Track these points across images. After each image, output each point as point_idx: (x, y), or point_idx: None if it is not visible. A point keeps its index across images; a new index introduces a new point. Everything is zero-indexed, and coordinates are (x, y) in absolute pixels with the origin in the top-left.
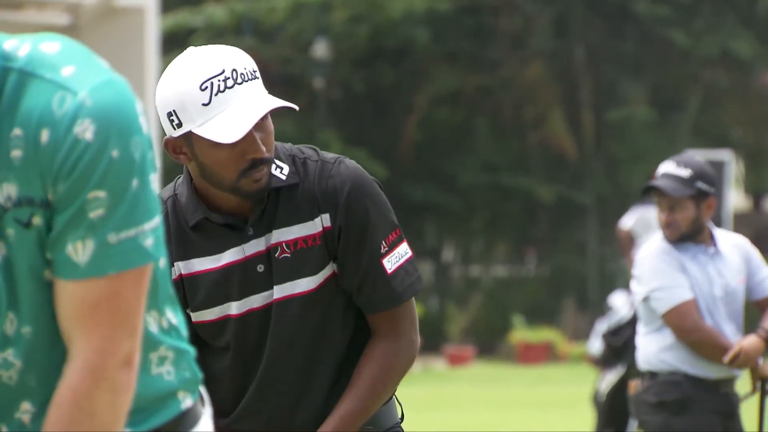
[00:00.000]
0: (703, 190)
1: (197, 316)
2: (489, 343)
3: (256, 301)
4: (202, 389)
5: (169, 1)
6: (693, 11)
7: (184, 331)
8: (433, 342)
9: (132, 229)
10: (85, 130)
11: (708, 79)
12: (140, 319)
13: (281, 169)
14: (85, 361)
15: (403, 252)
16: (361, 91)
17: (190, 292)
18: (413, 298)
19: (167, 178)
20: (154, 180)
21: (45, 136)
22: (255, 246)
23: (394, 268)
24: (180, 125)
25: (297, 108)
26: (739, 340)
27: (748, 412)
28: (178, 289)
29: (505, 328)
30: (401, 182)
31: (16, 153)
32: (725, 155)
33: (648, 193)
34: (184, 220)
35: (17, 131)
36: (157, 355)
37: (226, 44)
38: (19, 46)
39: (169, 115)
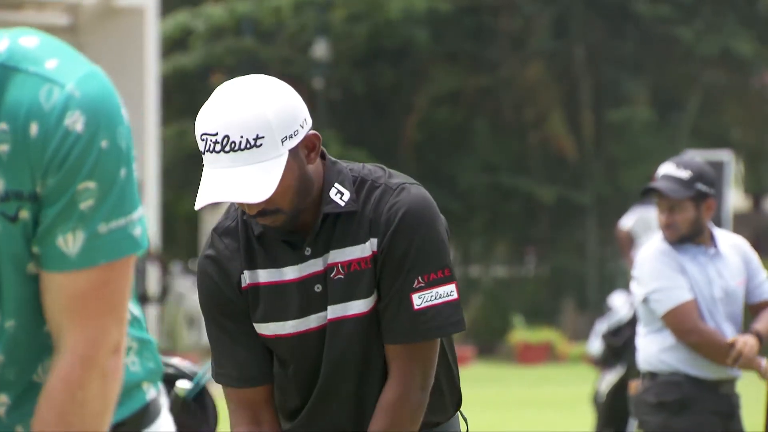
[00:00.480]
0: (702, 191)
1: (256, 329)
2: (489, 343)
3: (313, 321)
4: (161, 384)
5: (169, 2)
6: (693, 11)
7: (144, 323)
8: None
9: (122, 219)
10: (75, 122)
11: (708, 80)
12: (127, 306)
13: (342, 195)
14: (75, 352)
15: (444, 293)
16: (361, 91)
17: (253, 304)
18: (438, 347)
19: (167, 177)
20: (136, 170)
21: (34, 129)
22: (312, 266)
23: (424, 305)
24: None
25: (262, 198)
26: (736, 340)
27: (749, 413)
28: (243, 301)
29: (504, 329)
30: None
31: (3, 147)
32: (725, 155)
33: (648, 194)
34: (251, 230)
35: (3, 126)
36: None
37: (226, 44)
38: None
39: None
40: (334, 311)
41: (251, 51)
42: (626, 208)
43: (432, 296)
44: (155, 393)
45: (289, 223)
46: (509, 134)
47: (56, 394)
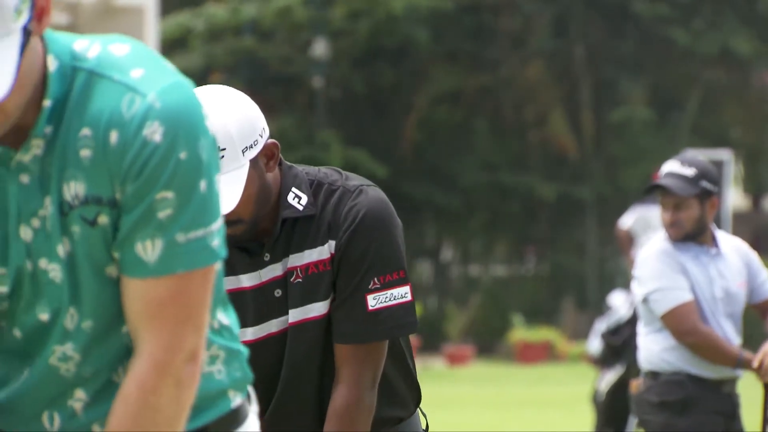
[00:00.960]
0: (707, 189)
1: None
2: (488, 342)
3: (274, 325)
4: (251, 389)
5: (169, 2)
6: (693, 11)
7: (236, 332)
8: (432, 341)
9: (200, 230)
10: (154, 132)
11: (707, 79)
12: (206, 316)
13: (299, 198)
14: (151, 357)
15: (398, 294)
16: (361, 90)
17: None
18: (386, 347)
19: None
20: (219, 181)
21: (114, 137)
22: (272, 271)
23: (378, 306)
24: None
25: None
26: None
27: (749, 412)
28: None
29: (504, 328)
30: (401, 182)
31: (86, 153)
32: (724, 155)
33: (652, 192)
34: None
35: (86, 131)
36: (208, 354)
37: (226, 44)
38: (89, 47)
39: None
40: (294, 315)
41: (250, 50)
42: (626, 207)
43: (387, 297)
44: (241, 400)
45: (248, 233)
46: (509, 134)
47: (131, 398)
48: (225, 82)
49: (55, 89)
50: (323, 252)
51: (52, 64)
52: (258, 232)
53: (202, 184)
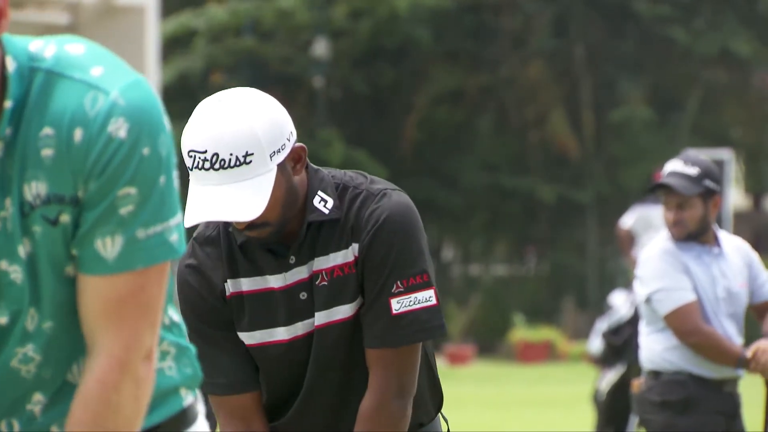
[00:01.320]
0: (710, 188)
1: (241, 338)
2: (489, 342)
3: (300, 328)
4: (198, 391)
5: (171, 2)
6: (693, 10)
7: (185, 329)
8: (433, 341)
9: (159, 225)
10: (119, 129)
11: (708, 79)
12: (160, 313)
13: (325, 202)
14: (112, 355)
15: (422, 298)
16: (361, 90)
17: (237, 313)
18: (419, 352)
19: None
20: (176, 177)
21: (78, 135)
22: (297, 274)
23: (402, 310)
24: None
25: (249, 217)
26: (756, 348)
27: (750, 413)
28: (227, 309)
29: (504, 327)
30: (401, 181)
31: (47, 152)
32: (725, 154)
33: (655, 191)
34: (234, 239)
35: (48, 131)
36: (159, 350)
37: (227, 44)
38: (45, 47)
39: None
40: (320, 318)
41: (251, 50)
42: (626, 206)
43: (410, 301)
44: (192, 399)
45: (275, 235)
46: (510, 133)
47: (91, 397)
48: (226, 82)
49: (15, 90)
50: (348, 255)
51: (11, 65)
52: (284, 235)
53: (162, 179)
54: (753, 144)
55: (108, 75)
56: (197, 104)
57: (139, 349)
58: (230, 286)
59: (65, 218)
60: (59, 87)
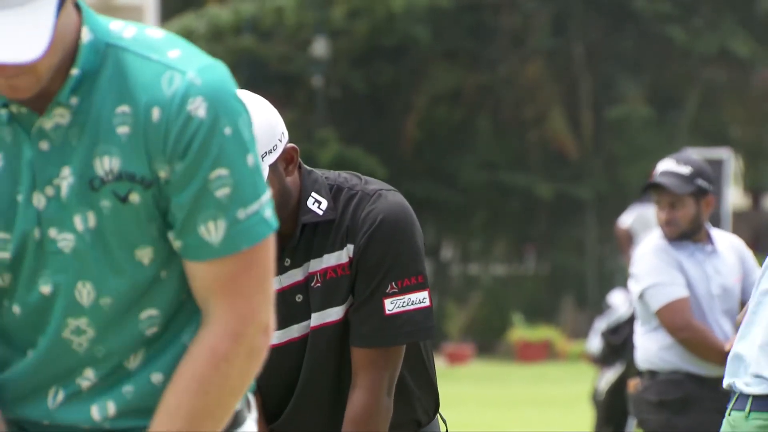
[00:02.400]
0: (703, 187)
1: None
2: (488, 341)
3: (296, 330)
4: (250, 395)
5: (171, 3)
6: (692, 9)
7: None
8: (430, 342)
9: (255, 204)
10: (198, 108)
11: (707, 77)
12: (272, 286)
13: (319, 203)
14: (226, 326)
15: (416, 299)
16: (361, 89)
17: None
18: (403, 352)
19: None
20: (259, 156)
21: (156, 114)
22: (292, 276)
23: (396, 311)
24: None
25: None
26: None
27: None
28: None
29: (504, 327)
30: (400, 180)
31: (123, 129)
32: (724, 153)
33: (648, 190)
34: None
35: (124, 108)
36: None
37: (225, 44)
38: (125, 28)
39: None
40: (314, 320)
41: (250, 50)
42: (626, 205)
43: (404, 302)
44: (239, 406)
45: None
46: (509, 132)
47: (201, 361)
48: None
49: (85, 60)
50: (342, 256)
51: (86, 36)
52: (278, 237)
53: (250, 159)
54: (752, 143)
55: (185, 57)
56: None
57: (254, 321)
58: None
59: (135, 198)
60: (136, 66)
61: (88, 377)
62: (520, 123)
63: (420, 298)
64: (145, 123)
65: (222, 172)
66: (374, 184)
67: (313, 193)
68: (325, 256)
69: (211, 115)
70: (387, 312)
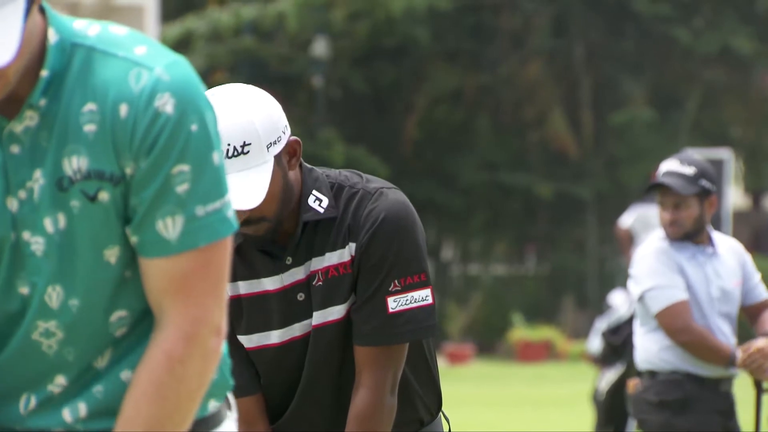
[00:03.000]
0: (706, 188)
1: (240, 341)
2: (488, 341)
3: (297, 329)
4: (230, 395)
5: (171, 4)
6: (693, 9)
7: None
8: (433, 340)
9: (218, 201)
10: (165, 104)
11: (708, 78)
12: (226, 288)
13: (320, 201)
14: (179, 328)
15: (419, 297)
16: (361, 89)
17: (236, 316)
18: (406, 350)
19: None
20: (221, 156)
21: (124, 110)
22: (294, 275)
23: (399, 309)
24: None
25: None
26: (754, 343)
27: (744, 412)
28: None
29: (504, 327)
30: (401, 180)
31: (90, 127)
32: (725, 153)
33: (652, 191)
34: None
35: (91, 106)
36: None
37: (226, 45)
38: (89, 26)
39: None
40: (316, 318)
41: (251, 50)
42: (626, 206)
43: (407, 300)
44: (218, 405)
45: (272, 232)
46: (509, 132)
47: (156, 366)
48: (226, 81)
49: (54, 61)
50: (344, 255)
51: (53, 37)
52: (280, 235)
53: (215, 156)
54: (753, 143)
55: (151, 53)
56: None
57: (208, 323)
58: (239, 288)
59: (104, 196)
60: (102, 63)
61: (59, 383)
62: (520, 124)
63: (423, 296)
64: (112, 119)
65: (184, 167)
66: (375, 182)
67: (314, 191)
68: (327, 255)
69: (179, 111)
70: (390, 310)
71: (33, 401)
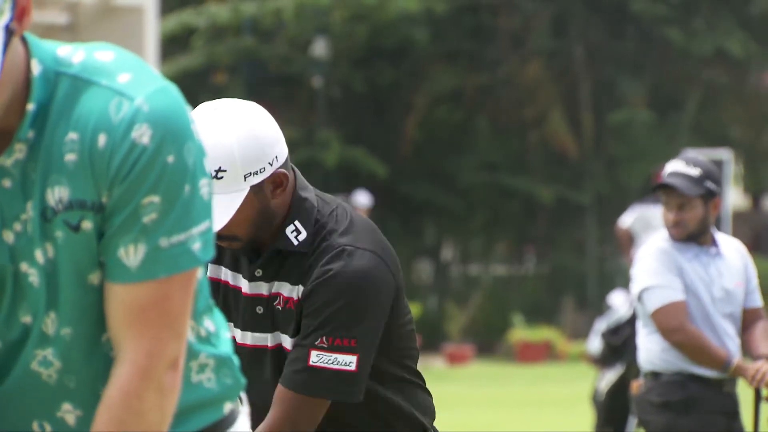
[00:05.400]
0: (711, 189)
1: None
2: (488, 342)
3: (249, 338)
4: (243, 394)
5: (170, 1)
6: (691, 10)
7: (225, 337)
8: (433, 341)
9: (182, 234)
10: (142, 135)
11: (707, 79)
12: (187, 322)
13: (298, 233)
14: (134, 363)
15: (343, 361)
16: (361, 90)
17: (224, 302)
18: (325, 407)
19: None
20: (204, 185)
21: (102, 140)
22: (259, 288)
23: (319, 365)
24: None
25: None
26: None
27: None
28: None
29: (504, 327)
30: (401, 181)
31: (71, 157)
32: (724, 154)
33: (657, 191)
34: None
35: (72, 135)
36: (197, 363)
37: (226, 44)
38: (73, 53)
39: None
40: (272, 339)
41: (251, 50)
42: (626, 206)
43: (330, 360)
44: (232, 406)
45: (246, 250)
46: (509, 133)
47: (114, 404)
48: (226, 81)
49: (39, 93)
50: (294, 292)
51: (36, 68)
52: (258, 246)
53: (187, 188)
54: (752, 144)
55: (134, 81)
56: (197, 103)
57: (163, 357)
58: (222, 273)
59: (87, 225)
60: (85, 93)
61: (68, 410)
62: (520, 124)
63: (347, 361)
64: (90, 149)
65: (154, 198)
66: (352, 235)
67: (297, 222)
68: (287, 285)
69: (155, 142)
70: (310, 363)
71: (48, 427)
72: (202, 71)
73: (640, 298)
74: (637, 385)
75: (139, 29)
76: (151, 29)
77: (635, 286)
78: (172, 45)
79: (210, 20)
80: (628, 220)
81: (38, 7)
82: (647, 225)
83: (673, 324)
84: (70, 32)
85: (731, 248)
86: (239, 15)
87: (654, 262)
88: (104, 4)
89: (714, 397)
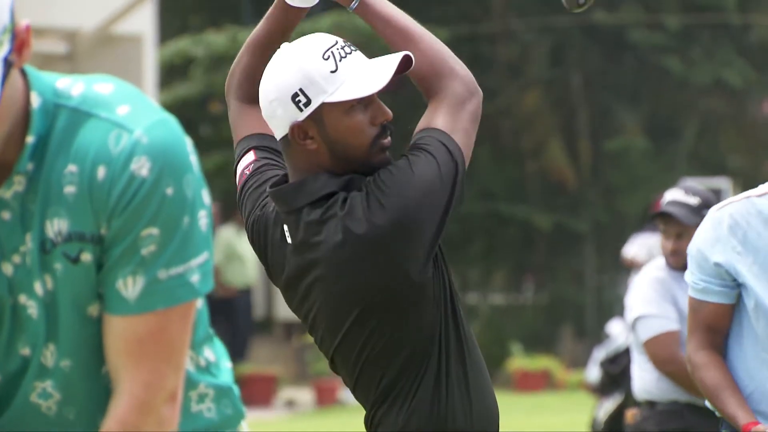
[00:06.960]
0: None
1: None
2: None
3: None
4: (244, 424)
5: (168, 30)
6: (689, 39)
7: (225, 367)
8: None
9: (181, 266)
10: (141, 167)
11: (704, 107)
12: (185, 354)
13: None
14: (132, 395)
15: None
16: None
17: None
18: None
19: None
20: (203, 216)
21: (101, 172)
22: None
23: None
24: (308, 103)
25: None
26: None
27: None
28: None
29: (502, 356)
30: None
31: (70, 189)
32: (723, 183)
33: (656, 219)
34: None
35: (72, 168)
36: (196, 393)
37: (225, 73)
38: (72, 86)
39: (294, 96)
40: None
41: None
42: (624, 235)
43: None
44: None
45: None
46: (507, 162)
47: None
48: (224, 110)
49: (39, 126)
50: None
51: (36, 101)
52: None
53: (186, 220)
54: (751, 173)
55: (134, 114)
56: (196, 132)
57: (161, 389)
58: None
59: (86, 257)
60: (85, 125)
61: None
62: (518, 153)
63: None
64: (90, 181)
65: (153, 230)
66: None
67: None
68: None
69: (154, 175)
70: None
71: None
72: (201, 100)
73: (633, 326)
74: (631, 414)
75: (138, 58)
76: (150, 58)
77: (629, 315)
78: (171, 74)
79: (208, 49)
80: (630, 249)
81: (37, 37)
82: (650, 254)
83: (664, 354)
84: (69, 61)
85: None
86: (237, 44)
87: (648, 290)
88: (103, 33)
89: (711, 425)
